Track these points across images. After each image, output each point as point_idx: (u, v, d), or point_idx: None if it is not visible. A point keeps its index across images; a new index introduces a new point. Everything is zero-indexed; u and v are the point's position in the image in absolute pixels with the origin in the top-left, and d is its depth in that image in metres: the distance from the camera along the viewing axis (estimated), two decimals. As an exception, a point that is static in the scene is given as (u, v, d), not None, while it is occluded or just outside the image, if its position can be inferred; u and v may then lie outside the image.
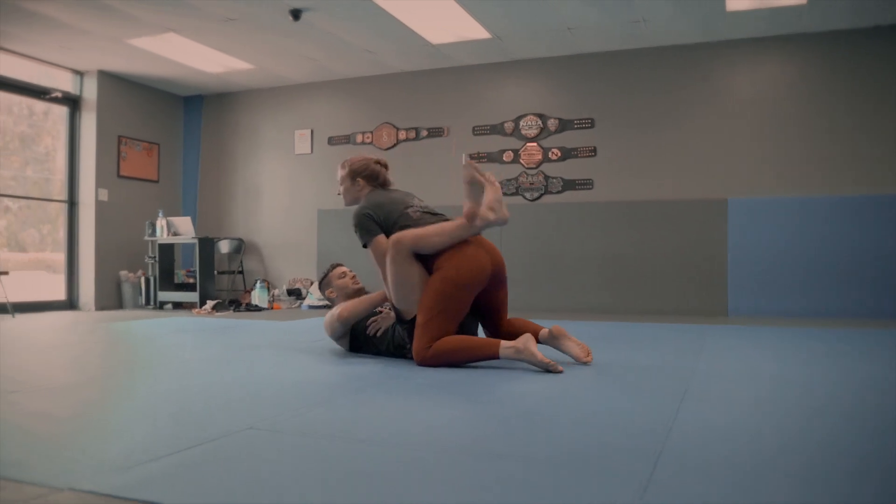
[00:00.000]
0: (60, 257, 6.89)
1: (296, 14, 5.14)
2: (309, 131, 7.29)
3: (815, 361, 2.98)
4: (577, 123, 6.31)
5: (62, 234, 6.87)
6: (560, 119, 6.36)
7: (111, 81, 6.94)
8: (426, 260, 2.85)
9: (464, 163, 2.74)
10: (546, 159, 6.41)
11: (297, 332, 4.36)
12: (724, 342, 3.72)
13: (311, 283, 7.06)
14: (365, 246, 2.98)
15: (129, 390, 2.38)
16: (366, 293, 3.33)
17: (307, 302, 6.75)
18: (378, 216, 2.95)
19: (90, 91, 6.84)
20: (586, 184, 6.28)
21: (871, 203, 5.44)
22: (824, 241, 5.54)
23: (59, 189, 6.86)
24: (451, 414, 1.99)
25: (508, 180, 6.51)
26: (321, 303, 6.65)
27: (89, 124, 6.83)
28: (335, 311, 3.15)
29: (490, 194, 2.80)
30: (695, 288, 5.88)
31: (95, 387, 2.47)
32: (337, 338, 3.22)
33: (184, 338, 4.10)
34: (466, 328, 2.96)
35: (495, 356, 2.69)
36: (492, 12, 5.26)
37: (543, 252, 6.34)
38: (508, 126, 6.53)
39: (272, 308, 6.67)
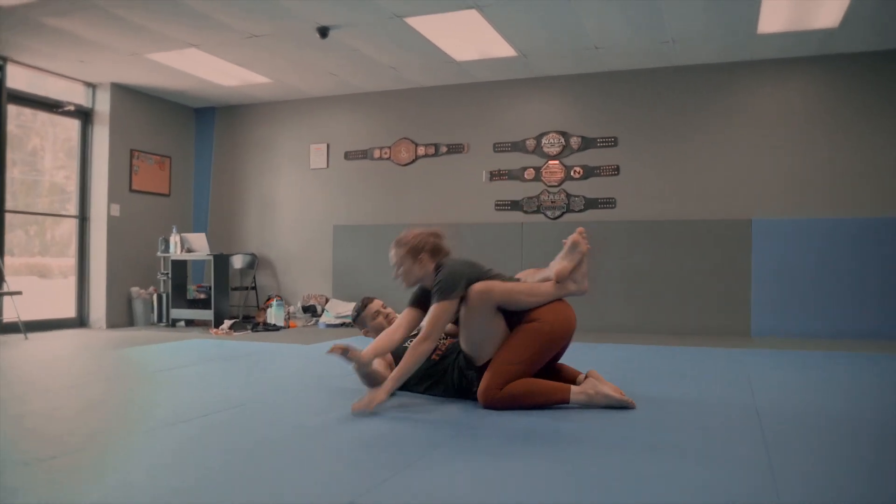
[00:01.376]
0: (52, 262, 6.71)
1: (323, 32, 5.04)
2: (325, 145, 7.18)
3: (878, 394, 2.93)
4: (600, 142, 6.25)
5: (49, 236, 6.68)
6: (583, 137, 6.30)
7: (123, 93, 6.80)
8: (516, 310, 2.75)
9: (576, 238, 2.71)
10: (568, 177, 6.34)
11: (331, 361, 4.25)
12: (768, 371, 3.66)
13: (327, 301, 6.95)
14: (435, 301, 2.69)
15: (187, 454, 2.19)
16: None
17: (324, 320, 6.63)
18: (471, 275, 2.74)
19: (103, 104, 6.70)
20: (609, 202, 6.22)
21: (899, 226, 5.42)
22: (849, 263, 5.51)
23: (47, 190, 6.68)
24: (542, 476, 1.90)
25: (529, 198, 6.43)
26: (338, 321, 6.54)
27: (101, 138, 6.69)
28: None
29: (582, 266, 2.80)
30: (718, 308, 5.82)
31: (140, 453, 2.19)
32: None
33: (217, 368, 3.98)
34: None
35: (565, 402, 2.65)
36: (522, 31, 5.18)
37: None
38: (530, 143, 6.45)
39: (289, 326, 6.55)
